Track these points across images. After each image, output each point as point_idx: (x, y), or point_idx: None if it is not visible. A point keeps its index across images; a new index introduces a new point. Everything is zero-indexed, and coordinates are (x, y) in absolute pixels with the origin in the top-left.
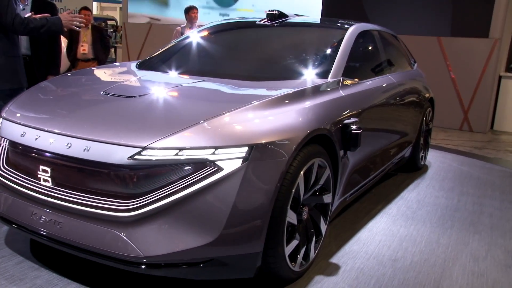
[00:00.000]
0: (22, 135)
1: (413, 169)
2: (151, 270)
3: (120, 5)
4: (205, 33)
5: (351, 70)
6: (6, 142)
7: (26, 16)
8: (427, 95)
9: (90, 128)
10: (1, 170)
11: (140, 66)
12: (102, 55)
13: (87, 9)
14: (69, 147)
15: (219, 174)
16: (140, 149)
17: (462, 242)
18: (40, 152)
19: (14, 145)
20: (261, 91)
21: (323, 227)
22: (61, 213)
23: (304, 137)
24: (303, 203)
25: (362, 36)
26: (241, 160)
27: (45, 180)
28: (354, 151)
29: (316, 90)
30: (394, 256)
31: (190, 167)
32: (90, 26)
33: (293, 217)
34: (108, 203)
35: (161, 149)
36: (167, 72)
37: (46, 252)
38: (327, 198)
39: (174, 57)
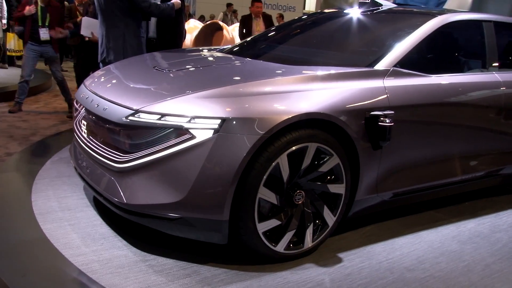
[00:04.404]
0: (81, 96)
1: None
2: (130, 215)
3: None
4: (294, 22)
5: (420, 62)
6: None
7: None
8: None
9: (115, 93)
10: (75, 125)
11: (225, 50)
12: None
13: (259, 1)
14: (97, 106)
15: (192, 142)
16: (134, 111)
17: None
18: (87, 109)
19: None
20: (280, 73)
21: (329, 217)
22: (89, 159)
23: (288, 118)
24: (299, 187)
25: (453, 27)
26: (212, 131)
27: (85, 132)
28: (384, 145)
29: (343, 76)
30: (414, 266)
31: (169, 131)
32: (261, 16)
33: (270, 196)
34: (111, 155)
35: (148, 113)
36: (235, 55)
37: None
38: (335, 188)
39: (254, 43)
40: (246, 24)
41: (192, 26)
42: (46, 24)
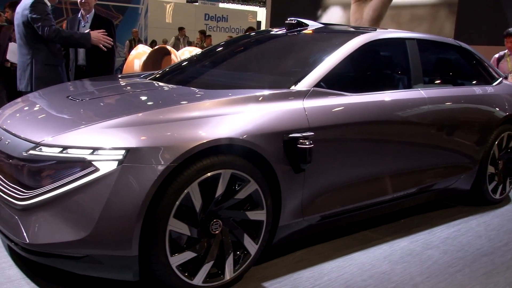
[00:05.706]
0: None
1: (481, 202)
2: (35, 256)
3: None
4: (223, 45)
5: (342, 81)
6: None
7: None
8: (503, 116)
9: (20, 125)
10: None
11: (151, 76)
12: None
13: (252, 29)
14: (0, 140)
15: (95, 174)
16: (35, 144)
17: None
18: None
19: None
20: (194, 98)
21: (251, 245)
22: None
23: (195, 146)
24: (216, 216)
25: (377, 45)
26: (116, 162)
27: None
28: (305, 167)
29: (261, 99)
30: None
31: (72, 165)
32: None
33: (182, 227)
34: (14, 192)
35: (49, 146)
36: (159, 80)
37: None
38: (255, 215)
39: (179, 68)
40: None
41: (140, 52)
42: None
